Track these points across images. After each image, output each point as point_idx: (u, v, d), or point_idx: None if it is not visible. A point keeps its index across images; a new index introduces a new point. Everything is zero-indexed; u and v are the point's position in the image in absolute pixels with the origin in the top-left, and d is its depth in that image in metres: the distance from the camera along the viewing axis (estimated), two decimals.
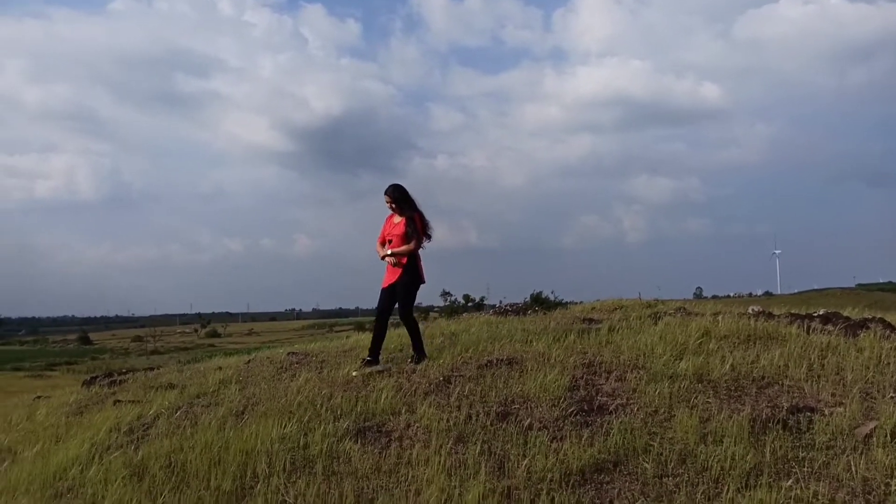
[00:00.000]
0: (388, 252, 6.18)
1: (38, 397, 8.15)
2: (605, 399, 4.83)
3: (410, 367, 5.97)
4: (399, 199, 6.24)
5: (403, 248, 6.16)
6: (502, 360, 5.89)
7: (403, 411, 4.84)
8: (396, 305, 6.34)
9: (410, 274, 6.23)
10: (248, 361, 7.89)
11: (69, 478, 4.33)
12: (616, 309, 8.67)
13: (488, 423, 4.48)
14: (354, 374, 5.90)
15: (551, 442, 4.13)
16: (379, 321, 6.40)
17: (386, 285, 6.27)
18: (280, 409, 5.15)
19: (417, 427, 4.54)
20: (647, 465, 3.78)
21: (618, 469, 3.81)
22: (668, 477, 3.67)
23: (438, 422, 4.52)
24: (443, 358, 6.17)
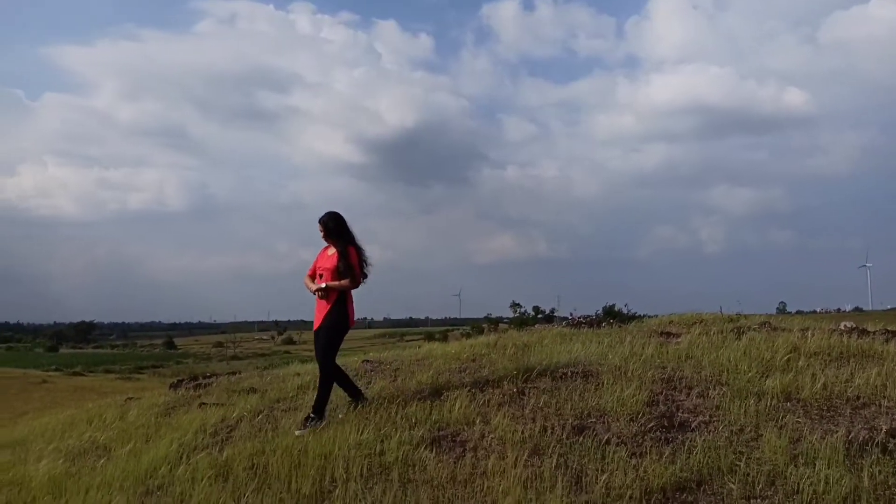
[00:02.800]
0: (321, 286, 5.39)
1: (129, 398, 8.59)
2: (686, 416, 4.67)
3: (302, 430, 5.13)
4: (333, 229, 5.51)
5: (337, 283, 5.39)
6: (577, 372, 5.80)
7: (477, 421, 4.83)
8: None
9: (337, 315, 5.44)
10: None
11: (159, 476, 4.54)
12: (695, 323, 8.39)
13: (564, 436, 4.41)
14: (297, 432, 5.11)
15: (630, 458, 4.03)
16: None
17: (317, 327, 5.50)
18: (356, 416, 5.24)
19: (492, 438, 4.52)
20: (732, 485, 3.63)
21: (702, 489, 3.67)
22: (757, 499, 3.51)
23: (513, 433, 4.49)
24: (517, 369, 6.13)
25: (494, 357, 7.09)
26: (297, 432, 5.09)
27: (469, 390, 5.60)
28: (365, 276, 5.56)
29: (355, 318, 5.63)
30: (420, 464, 4.25)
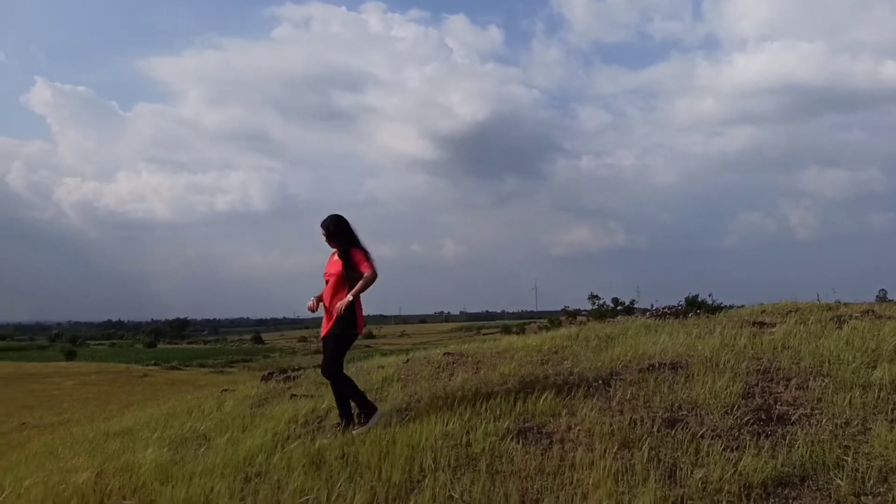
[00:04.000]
0: (347, 300, 5.07)
1: (225, 390, 8.99)
2: (784, 408, 4.46)
3: (364, 426, 5.10)
4: (335, 232, 5.30)
5: (358, 287, 5.11)
6: (665, 363, 5.64)
7: (563, 413, 4.78)
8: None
9: (345, 323, 5.18)
10: (407, 361, 8.19)
11: (256, 464, 4.74)
12: (790, 312, 7.99)
13: (654, 428, 4.30)
14: (325, 442, 4.96)
15: (726, 452, 3.88)
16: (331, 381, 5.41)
17: (324, 334, 5.32)
18: (441, 407, 5.29)
19: (579, 430, 4.46)
20: (839, 481, 3.44)
21: (805, 484, 3.50)
22: (868, 496, 3.32)
23: (601, 425, 4.42)
24: (601, 361, 6.03)
25: (577, 349, 7.00)
26: (355, 432, 5.03)
27: (553, 382, 5.55)
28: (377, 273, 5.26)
29: (363, 325, 5.39)
30: (507, 455, 4.24)
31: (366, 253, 5.28)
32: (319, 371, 5.40)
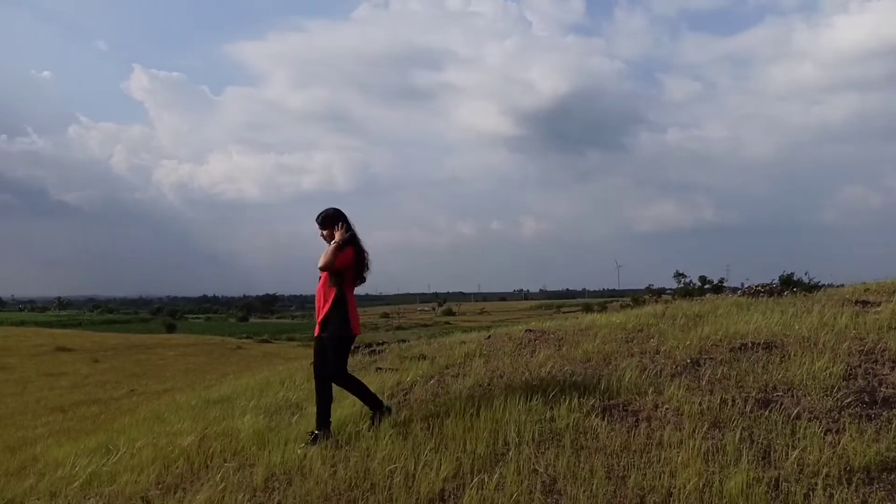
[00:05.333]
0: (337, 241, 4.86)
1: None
2: (890, 391, 4.22)
3: (382, 415, 4.94)
4: (325, 226, 5.01)
5: (329, 255, 4.82)
6: (759, 343, 5.43)
7: (650, 392, 4.70)
8: None
9: (338, 324, 4.88)
10: (489, 337, 8.25)
11: (346, 432, 4.92)
12: None
13: (747, 409, 4.16)
14: (299, 450, 4.63)
15: (825, 434, 3.72)
16: (317, 381, 5.13)
17: (318, 333, 5.03)
18: (524, 383, 5.32)
19: (666, 409, 4.38)
20: None
21: None
22: None
23: (690, 405, 4.32)
24: (689, 339, 5.87)
25: (663, 327, 6.84)
26: (369, 426, 4.85)
27: (638, 360, 5.46)
28: (362, 279, 5.06)
29: (359, 325, 5.04)
30: (592, 431, 4.22)
31: (360, 256, 4.95)
32: (318, 370, 5.11)
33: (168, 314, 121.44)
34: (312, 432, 4.91)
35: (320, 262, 4.84)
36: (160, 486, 4.47)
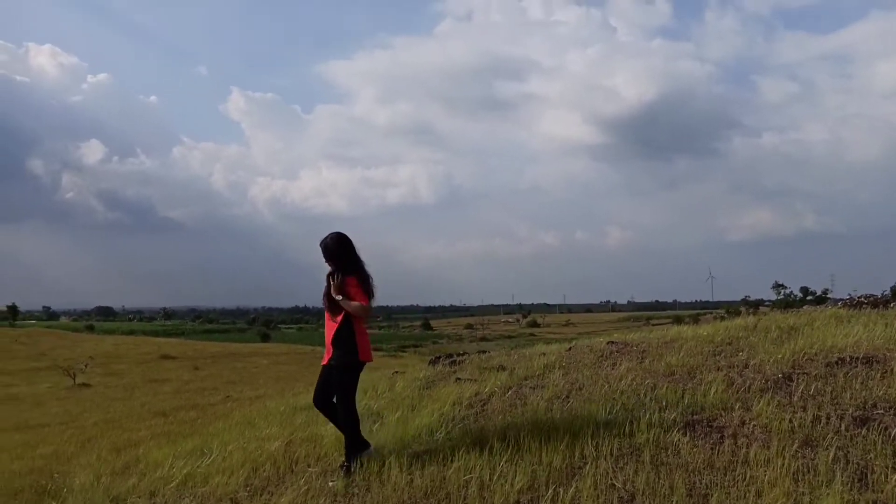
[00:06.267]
0: (337, 297, 4.62)
1: (396, 373, 9.53)
2: None
3: (343, 480, 4.44)
4: (334, 252, 4.72)
5: (348, 304, 4.60)
6: (858, 357, 5.09)
7: (736, 407, 4.50)
8: None
9: (346, 352, 4.64)
10: (570, 348, 8.14)
11: (423, 441, 5.00)
12: None
13: (842, 427, 3.91)
14: (331, 484, 4.45)
15: None
16: (320, 409, 4.89)
17: (326, 361, 4.77)
18: (603, 396, 5.22)
19: (754, 425, 4.18)
20: None
21: None
22: None
23: (780, 421, 4.10)
24: (781, 353, 5.58)
25: (754, 340, 6.53)
26: (331, 484, 4.48)
27: (725, 374, 5.24)
28: (372, 308, 4.76)
29: (371, 353, 4.79)
30: (673, 447, 4.09)
31: (365, 282, 4.68)
32: (319, 400, 4.89)
33: (263, 324, 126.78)
34: (343, 464, 4.65)
35: (358, 310, 4.62)
36: (248, 489, 4.69)
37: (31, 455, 7.88)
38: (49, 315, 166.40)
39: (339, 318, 4.65)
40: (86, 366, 20.02)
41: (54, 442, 8.79)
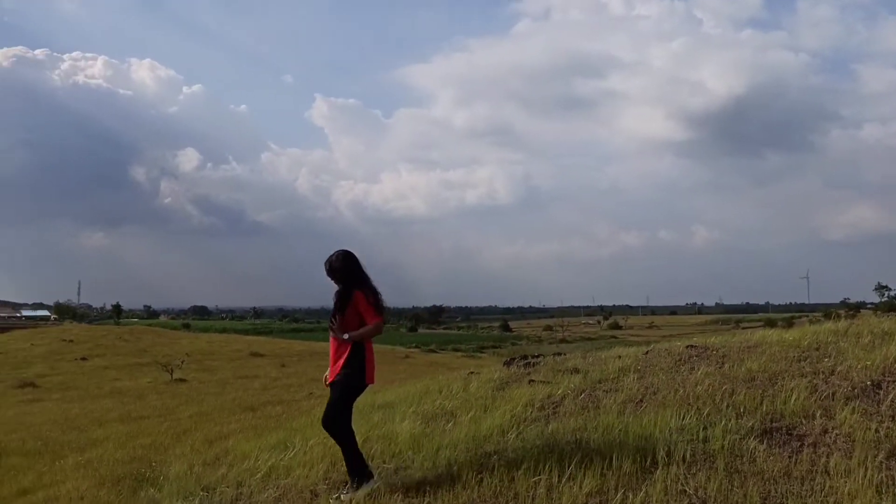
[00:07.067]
0: (343, 337, 4.57)
1: (471, 373, 9.63)
2: None
3: (349, 495, 4.46)
4: (339, 269, 4.65)
5: (358, 333, 4.55)
6: None
7: (818, 415, 4.34)
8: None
9: (351, 371, 4.55)
10: (647, 352, 7.99)
11: (494, 441, 5.08)
12: None
13: None
14: (332, 500, 4.53)
15: None
16: (330, 433, 4.69)
17: (331, 380, 4.69)
18: (678, 401, 5.13)
19: (837, 434, 4.02)
20: None
21: None
22: None
23: (864, 431, 3.94)
24: (872, 360, 5.30)
25: (843, 345, 6.21)
26: (343, 496, 4.52)
27: (809, 381, 5.04)
28: (385, 320, 4.70)
29: (373, 374, 4.71)
30: (748, 455, 4.00)
31: (373, 298, 4.63)
32: (320, 422, 4.80)
33: None
34: (346, 484, 4.62)
35: (369, 331, 4.60)
36: (327, 482, 4.92)
37: (132, 444, 8.48)
38: (149, 313, 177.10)
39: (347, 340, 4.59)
40: (182, 362, 21.20)
41: (153, 433, 9.42)
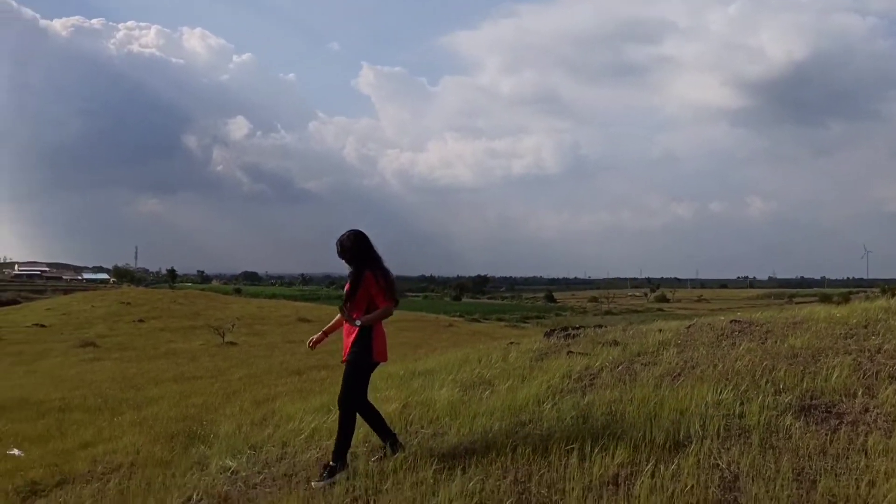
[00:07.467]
0: (354, 322, 4.53)
1: (511, 343, 9.72)
2: None
3: (321, 481, 4.35)
4: (350, 248, 4.59)
5: (369, 317, 4.51)
6: None
7: (860, 394, 4.27)
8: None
9: (360, 350, 4.51)
10: (689, 326, 7.92)
11: (529, 411, 5.16)
12: None
13: None
14: (314, 484, 4.38)
15: None
16: (342, 410, 4.65)
17: (345, 358, 4.63)
18: (717, 375, 5.11)
19: (877, 413, 3.97)
20: None
21: None
22: None
23: None
24: None
25: (894, 324, 6.05)
26: (314, 483, 4.40)
27: (853, 358, 4.95)
28: (395, 301, 4.65)
29: (386, 353, 4.70)
30: (784, 431, 3.98)
31: (384, 281, 4.58)
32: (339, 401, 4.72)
33: None
34: (327, 464, 4.53)
35: (380, 314, 4.58)
36: (366, 445, 5.09)
37: (185, 404, 8.91)
38: (202, 278, 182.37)
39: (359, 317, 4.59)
40: (233, 326, 21.95)
41: (204, 393, 9.85)
